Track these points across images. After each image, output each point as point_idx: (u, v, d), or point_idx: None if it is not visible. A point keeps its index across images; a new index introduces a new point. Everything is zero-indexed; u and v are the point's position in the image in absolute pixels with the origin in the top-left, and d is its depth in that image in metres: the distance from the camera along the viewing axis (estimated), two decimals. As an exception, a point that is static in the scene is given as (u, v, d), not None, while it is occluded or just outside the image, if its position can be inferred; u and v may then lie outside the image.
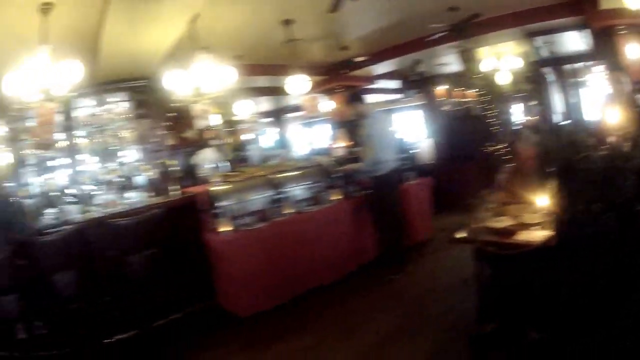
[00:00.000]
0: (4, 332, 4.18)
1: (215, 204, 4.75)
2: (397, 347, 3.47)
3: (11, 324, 4.16)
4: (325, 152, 6.97)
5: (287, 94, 7.98)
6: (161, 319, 4.64)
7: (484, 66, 8.28)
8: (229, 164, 7.05)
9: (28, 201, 6.34)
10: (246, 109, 9.57)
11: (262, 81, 9.06)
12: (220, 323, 4.52)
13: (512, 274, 2.83)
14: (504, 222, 3.01)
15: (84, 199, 6.48)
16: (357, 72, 9.44)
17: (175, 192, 5.58)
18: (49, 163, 7.23)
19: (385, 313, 4.14)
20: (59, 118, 5.93)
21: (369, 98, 10.86)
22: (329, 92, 9.68)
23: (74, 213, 5.44)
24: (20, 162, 7.06)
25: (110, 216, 4.87)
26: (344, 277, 5.02)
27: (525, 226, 2.89)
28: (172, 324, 4.65)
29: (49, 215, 5.80)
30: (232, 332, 4.34)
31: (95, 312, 4.35)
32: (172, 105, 6.37)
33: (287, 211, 5.02)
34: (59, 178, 7.24)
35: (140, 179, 7.34)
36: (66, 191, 6.86)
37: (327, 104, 9.65)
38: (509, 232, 2.89)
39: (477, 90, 8.45)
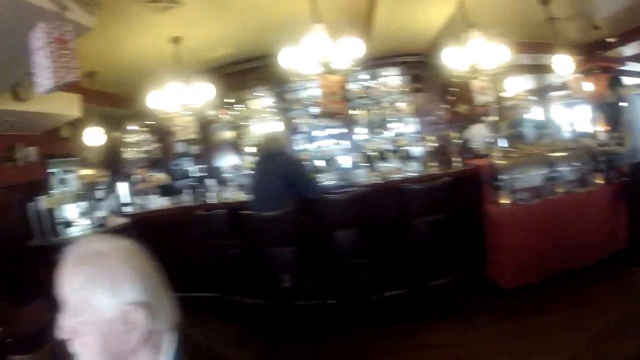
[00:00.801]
0: (269, 282, 4.81)
1: (497, 177, 4.91)
2: (618, 342, 3.45)
3: (279, 275, 4.68)
4: (587, 134, 6.64)
5: (547, 72, 7.81)
6: (431, 281, 5.03)
7: None
8: (506, 140, 7.19)
9: (308, 164, 7.24)
10: (516, 86, 9.38)
11: (523, 59, 8.68)
12: (481, 291, 4.75)
13: None
14: None
15: (364, 166, 7.07)
16: (610, 53, 8.77)
17: (457, 163, 5.88)
18: (324, 132, 8.13)
19: (620, 305, 4.02)
20: (342, 90, 6.59)
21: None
22: (586, 72, 8.98)
23: (356, 177, 5.96)
24: (292, 130, 8.10)
25: (399, 182, 5.29)
26: (593, 263, 4.84)
27: None
28: (439, 286, 4.99)
29: (328, 178, 6.41)
30: (492, 301, 4.53)
31: (369, 269, 4.75)
32: (451, 80, 6.66)
33: (558, 190, 4.99)
34: (336, 145, 8.12)
35: (415, 150, 7.82)
36: (345, 157, 7.63)
37: (587, 85, 9.03)
38: None
39: None
